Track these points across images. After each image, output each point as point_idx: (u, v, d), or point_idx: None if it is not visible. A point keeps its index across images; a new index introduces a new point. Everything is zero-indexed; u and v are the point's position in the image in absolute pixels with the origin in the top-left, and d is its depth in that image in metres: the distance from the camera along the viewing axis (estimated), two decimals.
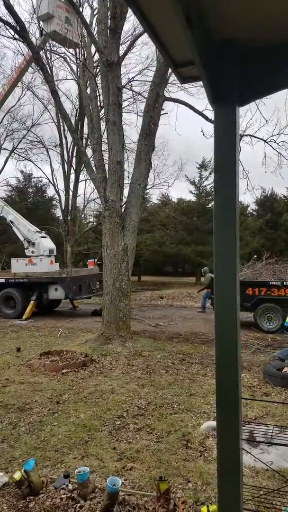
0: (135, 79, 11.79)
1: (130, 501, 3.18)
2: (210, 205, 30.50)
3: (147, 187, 14.39)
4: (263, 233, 28.40)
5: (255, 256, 14.74)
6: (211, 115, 10.97)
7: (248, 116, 28.89)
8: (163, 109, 9.94)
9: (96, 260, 17.54)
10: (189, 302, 18.09)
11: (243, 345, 9.26)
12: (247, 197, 48.78)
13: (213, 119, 1.36)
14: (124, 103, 12.29)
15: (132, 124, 28.76)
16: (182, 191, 49.26)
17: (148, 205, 29.47)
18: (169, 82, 9.79)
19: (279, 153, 11.89)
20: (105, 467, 3.72)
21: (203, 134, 11.31)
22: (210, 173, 30.73)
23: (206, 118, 11.03)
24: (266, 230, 28.64)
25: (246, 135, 11.76)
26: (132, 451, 4.02)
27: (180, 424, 4.66)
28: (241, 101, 1.32)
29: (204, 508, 3.00)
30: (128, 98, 12.62)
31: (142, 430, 4.51)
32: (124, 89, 11.19)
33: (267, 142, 11.77)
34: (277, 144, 11.75)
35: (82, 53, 10.64)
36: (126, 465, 3.75)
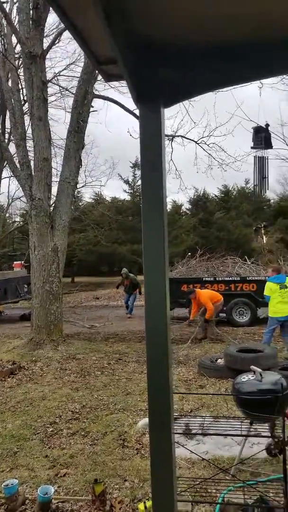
0: (62, 73, 11.47)
1: (64, 508, 3.04)
2: None
3: (79, 186, 14.15)
4: (197, 231, 29.30)
5: (189, 253, 15.15)
6: None
7: (179, 117, 29.59)
8: (93, 106, 9.81)
9: (23, 262, 16.82)
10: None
11: (178, 340, 9.44)
12: (181, 196, 50.18)
13: None
14: (51, 98, 11.96)
15: (60, 120, 28.14)
16: (116, 190, 49.45)
17: (80, 204, 29.04)
18: (98, 79, 9.67)
19: (209, 154, 12.33)
20: (36, 477, 3.51)
21: (130, 135, 11.34)
22: None
23: (137, 117, 11.08)
24: (199, 228, 29.57)
25: (178, 136, 12.03)
26: (65, 456, 3.85)
27: (116, 424, 4.57)
28: (165, 103, 1.32)
29: (141, 505, 2.95)
30: (55, 93, 12.30)
31: (76, 434, 4.36)
32: (50, 83, 10.88)
33: (198, 144, 12.13)
34: (207, 145, 12.17)
35: (2, 42, 10.13)
36: (60, 472, 3.57)
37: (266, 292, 7.94)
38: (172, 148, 12.31)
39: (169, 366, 1.28)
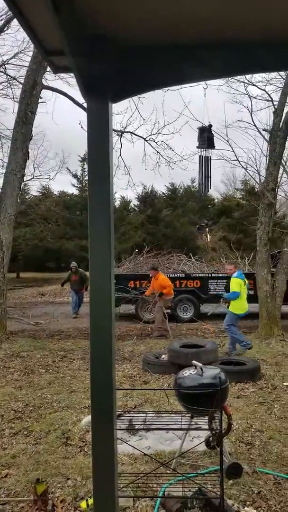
0: (10, 62, 11.01)
1: (5, 510, 2.98)
2: None
3: (26, 179, 13.71)
4: (145, 227, 29.56)
5: (137, 250, 15.27)
6: None
7: (129, 113, 29.62)
8: (41, 97, 9.55)
9: None
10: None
11: (124, 336, 9.52)
12: (129, 193, 50.24)
13: None
14: None
15: (7, 110, 27.02)
16: (64, 184, 48.05)
17: (27, 197, 28.12)
18: (47, 70, 9.41)
19: (157, 152, 12.46)
20: None
21: (82, 127, 11.14)
22: None
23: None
24: (147, 225, 29.86)
25: (127, 132, 12.04)
26: (7, 457, 3.77)
27: (60, 422, 4.54)
28: (113, 98, 1.32)
29: (84, 503, 2.97)
30: (2, 82, 11.78)
31: (19, 434, 4.27)
32: None
33: (146, 141, 12.22)
34: (156, 143, 12.30)
35: None
36: (1, 473, 3.49)
37: (236, 289, 7.64)
38: (121, 144, 12.32)
39: (112, 363, 1.30)
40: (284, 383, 5.80)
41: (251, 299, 10.70)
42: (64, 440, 4.11)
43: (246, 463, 3.50)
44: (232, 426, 3.14)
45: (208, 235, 20.77)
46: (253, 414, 4.67)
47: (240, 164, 10.65)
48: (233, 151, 10.42)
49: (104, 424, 1.34)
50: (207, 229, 19.70)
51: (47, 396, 5.40)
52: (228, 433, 3.06)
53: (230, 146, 9.98)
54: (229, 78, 10.31)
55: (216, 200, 34.34)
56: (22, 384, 5.94)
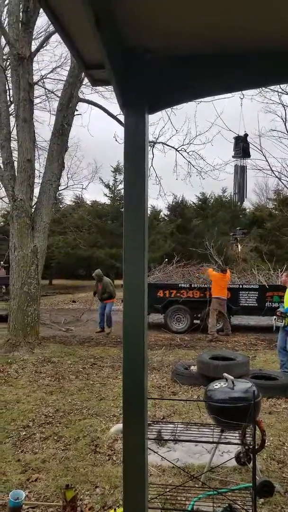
0: (48, 76, 11.42)
1: None
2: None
3: (60, 188, 14.05)
4: (174, 237, 29.51)
5: (166, 259, 15.26)
6: None
7: (161, 124, 29.81)
8: (77, 110, 9.82)
9: (2, 262, 16.59)
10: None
11: (153, 346, 9.50)
12: (160, 202, 50.44)
13: None
14: (36, 100, 11.90)
15: (44, 123, 27.94)
16: (96, 194, 48.85)
17: (61, 206, 28.79)
18: (83, 83, 9.69)
19: (188, 162, 12.50)
20: (8, 481, 3.48)
21: (116, 140, 11.38)
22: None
23: (121, 122, 11.17)
24: (177, 234, 29.80)
25: (159, 143, 12.16)
26: (37, 461, 3.83)
27: (89, 429, 4.58)
28: (150, 109, 1.32)
29: None
30: (40, 95, 12.24)
31: (49, 439, 4.34)
32: (36, 85, 10.83)
33: (178, 151, 12.28)
34: (187, 153, 12.34)
35: None
36: (31, 477, 3.56)
37: None
38: (153, 154, 12.42)
39: (145, 371, 1.30)
40: None
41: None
42: (93, 448, 4.14)
43: (278, 482, 3.40)
44: (266, 442, 3.06)
45: (239, 245, 20.44)
46: (286, 431, 4.54)
47: (274, 173, 10.52)
48: (267, 160, 10.32)
49: (135, 433, 1.33)
50: (238, 239, 19.38)
51: (77, 403, 5.46)
52: (261, 449, 3.00)
53: (263, 155, 9.91)
54: (263, 88, 10.26)
55: (247, 210, 33.85)
56: (53, 390, 6.03)
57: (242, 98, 9.29)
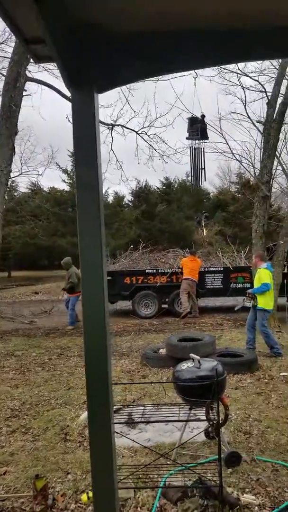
0: None
1: (4, 506, 2.98)
2: None
3: (13, 175, 13.57)
4: (140, 223, 29.48)
5: (132, 246, 15.26)
6: None
7: (119, 106, 29.31)
8: (26, 90, 9.40)
9: None
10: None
11: (121, 332, 9.52)
12: (123, 188, 50.02)
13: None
14: None
15: None
16: (54, 180, 47.19)
17: (15, 194, 27.89)
18: (31, 61, 9.24)
19: (150, 145, 12.39)
20: None
21: (69, 121, 10.97)
22: None
23: None
24: (142, 220, 29.78)
25: (118, 125, 11.94)
26: (5, 455, 3.75)
27: (58, 419, 4.53)
28: (99, 88, 1.27)
29: (84, 496, 2.98)
30: None
31: (16, 432, 4.26)
32: None
33: (138, 134, 12.13)
34: (148, 136, 12.21)
35: None
36: None
37: (268, 280, 6.91)
38: (112, 137, 12.22)
39: (108, 356, 1.29)
40: (281, 373, 5.83)
41: None
42: (63, 436, 4.10)
43: (245, 452, 3.52)
44: (229, 416, 3.15)
45: (204, 229, 20.77)
46: (251, 404, 4.69)
47: (235, 156, 10.67)
48: (227, 143, 10.42)
49: (101, 418, 1.33)
50: (203, 223, 19.65)
51: (44, 394, 5.39)
52: (225, 423, 3.07)
53: (224, 138, 9.98)
54: (222, 69, 10.29)
55: (211, 194, 34.34)
56: (18, 383, 5.91)
57: (195, 78, 9.30)
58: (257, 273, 7.18)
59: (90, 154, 1.24)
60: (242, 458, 3.22)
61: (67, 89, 1.28)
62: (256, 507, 2.77)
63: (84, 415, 4.47)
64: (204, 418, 2.98)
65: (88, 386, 1.31)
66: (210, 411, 2.87)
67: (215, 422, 2.76)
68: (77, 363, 6.88)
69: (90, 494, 2.89)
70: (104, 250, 1.29)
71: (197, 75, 9.27)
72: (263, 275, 6.95)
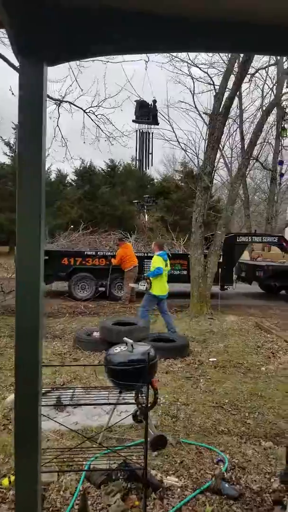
0: None
1: None
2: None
3: None
4: (82, 204, 28.86)
5: (72, 226, 14.93)
6: None
7: (68, 82, 28.22)
8: None
9: None
10: (2, 273, 17.11)
11: (56, 314, 9.34)
12: (66, 166, 48.51)
13: None
14: None
15: None
16: None
17: None
18: None
19: (97, 125, 12.10)
20: None
21: (13, 93, 10.31)
22: None
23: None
24: (84, 201, 29.19)
25: (66, 101, 11.50)
26: None
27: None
28: (49, 60, 1.20)
29: (5, 480, 2.90)
30: None
31: None
32: None
33: (86, 112, 11.79)
34: (96, 116, 11.91)
35: None
36: None
37: (160, 265, 7.28)
38: (59, 113, 11.75)
39: (39, 338, 1.25)
40: (210, 359, 6.08)
41: (184, 279, 11.07)
42: (7, 422, 3.94)
43: (171, 435, 3.62)
44: (158, 400, 3.21)
45: (146, 215, 20.88)
46: (180, 388, 4.84)
47: (180, 145, 10.80)
48: (174, 131, 10.48)
49: (28, 400, 1.29)
50: (145, 208, 19.69)
51: None
52: (153, 407, 3.12)
53: (171, 126, 10.06)
54: (173, 56, 10.28)
55: (155, 180, 34.53)
56: None
57: (147, 62, 9.21)
58: (152, 259, 7.78)
59: (35, 128, 1.18)
60: (168, 441, 3.31)
61: (16, 58, 1.21)
62: (179, 489, 2.86)
63: (11, 397, 4.32)
64: (133, 401, 3.01)
65: (16, 367, 1.26)
66: (139, 395, 2.89)
67: (143, 405, 2.79)
68: (7, 343, 6.64)
69: (12, 478, 2.81)
70: (43, 228, 1.24)
71: (148, 59, 9.19)
72: (156, 260, 7.50)
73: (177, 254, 12.19)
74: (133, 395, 3.17)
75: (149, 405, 2.83)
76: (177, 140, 10.43)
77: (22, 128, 1.21)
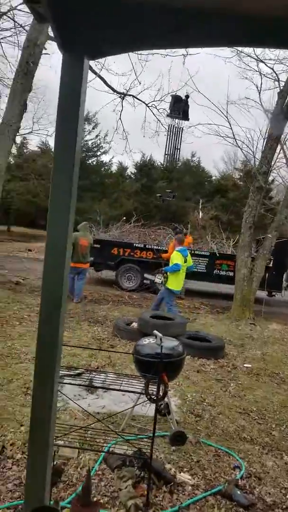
0: (19, 8, 10.41)
1: None
2: (90, 160, 29.94)
3: (24, 132, 13.32)
4: (138, 197, 29.28)
5: (124, 218, 15.23)
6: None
7: (133, 76, 28.47)
8: (45, 49, 9.15)
9: None
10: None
11: (100, 301, 9.65)
12: (126, 159, 49.23)
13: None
14: (5, 33, 10.95)
15: (12, 60, 25.94)
16: None
17: (25, 151, 27.56)
18: None
19: (158, 120, 12.21)
20: None
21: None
22: (93, 127, 30.01)
23: (93, 70, 10.61)
24: (141, 194, 29.58)
25: (130, 95, 11.73)
26: None
27: (24, 372, 4.67)
28: (91, 54, 1.25)
29: None
30: (10, 28, 11.21)
31: None
32: (5, 17, 9.98)
33: (148, 106, 11.95)
34: (158, 110, 12.02)
35: None
36: None
37: (179, 261, 7.45)
38: (122, 106, 12.05)
39: (60, 321, 1.34)
40: (245, 365, 6.03)
41: (230, 280, 10.93)
42: (24, 390, 4.25)
43: (192, 433, 3.69)
44: (167, 393, 3.26)
45: (200, 212, 20.72)
46: (209, 389, 4.87)
47: (236, 142, 10.57)
48: (231, 128, 10.35)
49: (45, 376, 1.38)
50: (200, 206, 19.54)
51: (16, 347, 5.52)
52: (162, 399, 3.13)
53: (228, 122, 9.86)
54: (239, 52, 10.05)
55: (213, 177, 34.04)
56: None
57: (185, 56, 9.09)
58: (172, 254, 7.89)
59: (72, 119, 1.23)
60: (187, 438, 3.37)
61: (59, 50, 1.24)
62: (190, 487, 2.91)
63: None
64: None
65: (38, 345, 1.36)
66: (148, 386, 2.97)
67: (153, 397, 2.88)
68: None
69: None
70: (72, 217, 1.31)
71: (187, 53, 9.11)
72: (175, 256, 7.60)
73: (225, 254, 12.04)
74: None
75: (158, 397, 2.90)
76: (234, 136, 10.22)
77: (61, 119, 1.26)
